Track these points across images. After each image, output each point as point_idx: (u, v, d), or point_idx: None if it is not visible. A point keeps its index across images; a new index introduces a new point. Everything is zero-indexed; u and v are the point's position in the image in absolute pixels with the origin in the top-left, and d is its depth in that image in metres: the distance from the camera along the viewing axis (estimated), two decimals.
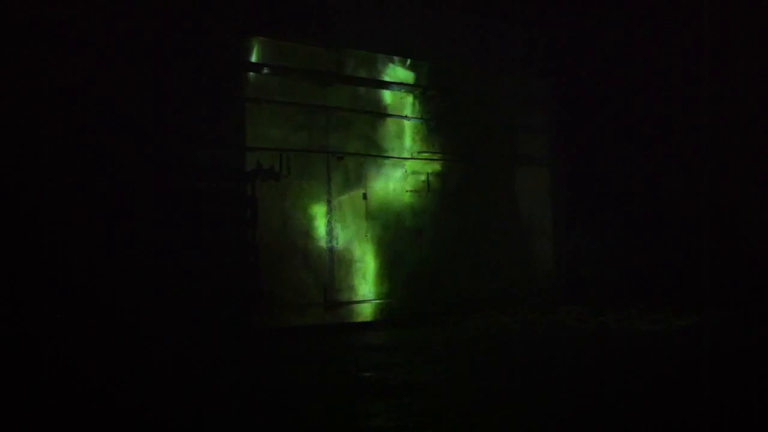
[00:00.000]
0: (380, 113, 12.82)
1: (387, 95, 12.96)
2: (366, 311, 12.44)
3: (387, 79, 12.97)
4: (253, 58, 11.43)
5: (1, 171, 9.09)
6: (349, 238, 12.38)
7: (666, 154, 14.22)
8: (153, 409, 6.49)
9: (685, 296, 13.12)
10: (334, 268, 12.13)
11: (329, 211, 12.14)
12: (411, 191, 13.20)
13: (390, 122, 12.99)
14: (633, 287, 14.22)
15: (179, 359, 9.08)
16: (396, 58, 13.08)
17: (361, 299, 12.42)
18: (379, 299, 12.66)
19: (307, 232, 11.89)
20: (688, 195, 13.28)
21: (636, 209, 14.58)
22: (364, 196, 12.59)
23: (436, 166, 13.55)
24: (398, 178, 13.02)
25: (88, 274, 9.49)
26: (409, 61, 13.20)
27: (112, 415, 6.22)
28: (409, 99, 13.23)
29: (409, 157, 13.18)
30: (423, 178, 13.34)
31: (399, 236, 12.98)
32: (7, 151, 9.11)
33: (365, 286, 12.52)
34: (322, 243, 12.05)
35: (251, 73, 11.38)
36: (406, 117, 13.17)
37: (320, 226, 12.06)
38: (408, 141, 13.21)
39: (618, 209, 14.74)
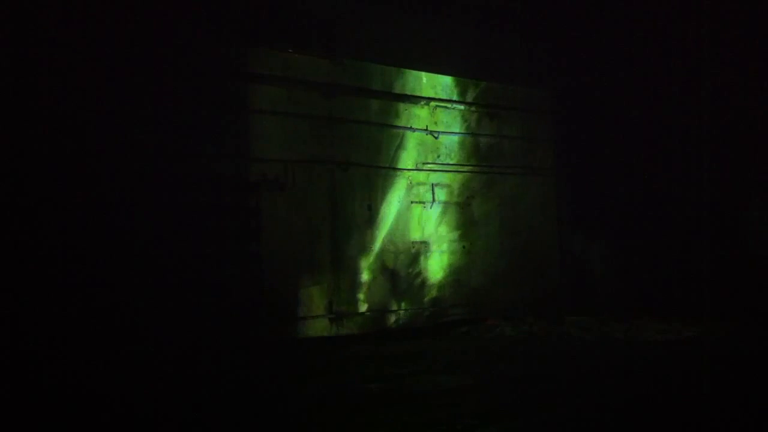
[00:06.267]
0: (385, 124, 12.83)
1: (391, 106, 12.98)
2: (370, 322, 12.43)
3: (391, 90, 12.98)
4: (258, 69, 11.45)
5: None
6: (352, 249, 12.37)
7: (669, 163, 14.22)
8: (154, 416, 6.50)
9: (691, 305, 13.09)
10: (339, 279, 12.13)
11: (334, 222, 12.14)
12: (416, 202, 13.20)
13: (395, 133, 12.99)
14: (638, 297, 14.19)
15: (182, 369, 9.08)
16: (399, 70, 13.10)
17: (366, 310, 12.41)
18: (385, 310, 12.65)
19: (313, 243, 11.88)
20: (692, 203, 13.27)
21: (641, 218, 14.56)
22: (369, 207, 12.59)
23: (441, 177, 13.55)
24: (403, 190, 13.02)
25: (90, 283, 9.50)
26: (412, 73, 13.22)
27: (113, 420, 6.24)
28: (413, 110, 13.24)
29: (414, 168, 13.18)
30: (428, 188, 13.34)
31: (403, 247, 12.97)
32: (4, 159, 9.12)
33: (370, 297, 12.51)
34: (327, 253, 12.03)
35: (256, 84, 11.40)
36: (410, 128, 13.18)
37: (325, 236, 12.05)
38: (412, 152, 13.20)
39: (622, 219, 14.72)
